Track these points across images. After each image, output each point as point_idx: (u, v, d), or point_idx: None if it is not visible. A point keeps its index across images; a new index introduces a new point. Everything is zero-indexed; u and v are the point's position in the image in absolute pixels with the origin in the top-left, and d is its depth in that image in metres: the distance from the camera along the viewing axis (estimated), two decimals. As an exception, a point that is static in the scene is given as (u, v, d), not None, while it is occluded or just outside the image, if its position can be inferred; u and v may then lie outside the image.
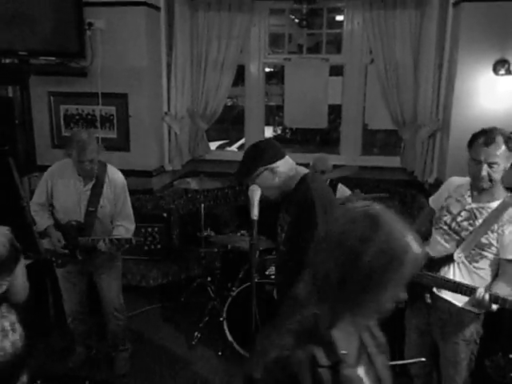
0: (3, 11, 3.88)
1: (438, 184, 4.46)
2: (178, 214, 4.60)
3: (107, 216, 3.12)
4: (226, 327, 3.41)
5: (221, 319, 3.44)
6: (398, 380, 2.86)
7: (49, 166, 4.42)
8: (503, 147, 2.15)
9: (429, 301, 2.35)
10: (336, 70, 5.22)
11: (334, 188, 4.04)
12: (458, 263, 2.29)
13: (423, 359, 2.09)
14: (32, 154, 4.48)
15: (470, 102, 4.11)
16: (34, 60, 4.10)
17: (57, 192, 3.09)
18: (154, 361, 3.50)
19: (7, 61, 4.02)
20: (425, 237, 2.51)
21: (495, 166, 2.16)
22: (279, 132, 6.79)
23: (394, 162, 5.07)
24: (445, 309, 2.33)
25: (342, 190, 4.04)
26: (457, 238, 2.31)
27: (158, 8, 4.51)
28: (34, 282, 3.48)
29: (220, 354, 3.49)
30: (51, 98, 4.46)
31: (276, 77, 5.99)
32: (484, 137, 2.19)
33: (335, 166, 4.28)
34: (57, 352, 3.49)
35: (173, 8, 4.63)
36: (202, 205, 4.00)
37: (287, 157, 2.19)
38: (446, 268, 2.32)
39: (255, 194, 1.89)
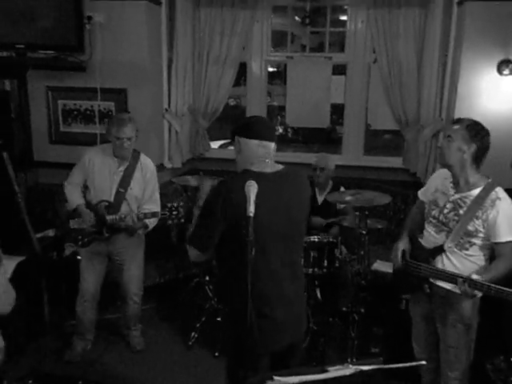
0: (1, 4, 3.83)
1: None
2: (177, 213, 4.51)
3: (134, 199, 3.26)
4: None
5: (218, 319, 3.38)
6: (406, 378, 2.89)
7: (47, 162, 4.45)
8: (463, 127, 2.31)
9: (428, 291, 2.45)
10: (339, 69, 5.16)
11: (338, 190, 3.99)
12: (450, 252, 2.37)
13: (423, 362, 2.07)
14: (29, 150, 4.41)
15: (474, 102, 4.06)
16: (32, 53, 4.03)
17: (93, 171, 3.23)
18: (150, 362, 3.44)
19: (4, 54, 3.94)
20: (419, 229, 2.61)
21: (450, 139, 2.32)
22: (281, 131, 6.70)
23: (396, 162, 5.00)
24: (442, 294, 2.41)
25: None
26: (446, 229, 2.39)
27: (159, 3, 4.44)
28: (28, 281, 3.47)
29: (217, 354, 3.41)
30: (49, 92, 4.39)
31: (279, 77, 5.92)
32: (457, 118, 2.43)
33: (337, 166, 4.23)
34: (51, 352, 3.42)
35: (174, 3, 4.57)
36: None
37: (261, 143, 2.10)
38: (439, 258, 2.41)
39: (251, 190, 1.82)
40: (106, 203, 3.19)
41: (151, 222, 3.28)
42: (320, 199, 4.00)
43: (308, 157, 4.77)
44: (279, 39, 5.30)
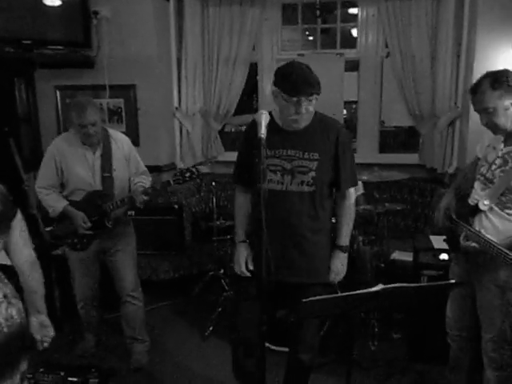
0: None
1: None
2: (191, 211, 4.41)
3: (123, 180, 2.99)
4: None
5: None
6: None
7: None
8: (489, 90, 2.09)
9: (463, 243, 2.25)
10: (352, 65, 5.08)
11: None
12: (489, 211, 2.19)
13: (453, 281, 2.08)
14: (38, 150, 4.33)
15: (491, 84, 3.94)
16: (38, 50, 3.98)
17: (68, 165, 2.90)
18: (165, 354, 3.33)
19: (11, 50, 3.86)
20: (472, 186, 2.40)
21: (490, 110, 2.11)
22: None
23: (412, 159, 4.87)
24: (478, 253, 2.22)
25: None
26: (490, 185, 2.22)
27: (166, -1, 4.42)
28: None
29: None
30: (57, 92, 4.35)
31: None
32: (472, 86, 2.17)
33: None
34: (64, 345, 3.32)
35: (182, 0, 4.55)
36: (214, 194, 3.86)
37: None
38: (477, 216, 2.24)
39: (263, 117, 1.91)
40: (94, 192, 2.91)
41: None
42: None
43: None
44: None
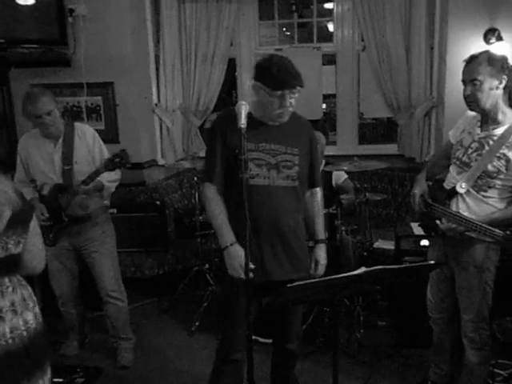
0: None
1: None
2: (173, 208, 4.40)
3: (85, 173, 2.87)
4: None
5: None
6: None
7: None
8: (484, 63, 2.13)
9: (441, 226, 2.31)
10: (330, 59, 5.11)
11: (329, 176, 3.89)
12: (466, 194, 2.25)
13: (432, 262, 2.13)
14: (15, 150, 4.26)
15: (464, 74, 4.03)
16: (13, 49, 3.93)
17: (31, 160, 2.94)
18: (152, 350, 3.33)
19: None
20: (444, 172, 2.47)
21: (477, 83, 2.14)
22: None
23: (391, 149, 4.94)
24: (455, 236, 2.26)
25: (337, 175, 3.87)
26: (466, 169, 2.27)
27: (142, -5, 4.39)
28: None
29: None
30: (34, 91, 4.28)
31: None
32: (469, 56, 2.20)
33: (333, 157, 4.18)
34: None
35: (158, -2, 4.54)
36: (196, 190, 3.83)
37: None
38: (454, 199, 2.29)
39: (243, 107, 1.92)
40: (54, 186, 2.86)
41: (110, 180, 2.94)
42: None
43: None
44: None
